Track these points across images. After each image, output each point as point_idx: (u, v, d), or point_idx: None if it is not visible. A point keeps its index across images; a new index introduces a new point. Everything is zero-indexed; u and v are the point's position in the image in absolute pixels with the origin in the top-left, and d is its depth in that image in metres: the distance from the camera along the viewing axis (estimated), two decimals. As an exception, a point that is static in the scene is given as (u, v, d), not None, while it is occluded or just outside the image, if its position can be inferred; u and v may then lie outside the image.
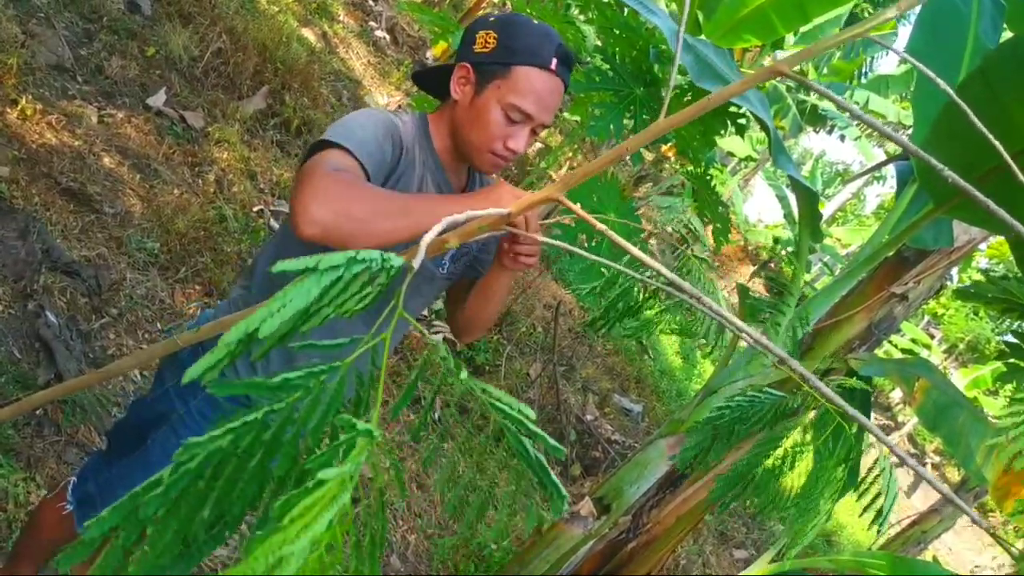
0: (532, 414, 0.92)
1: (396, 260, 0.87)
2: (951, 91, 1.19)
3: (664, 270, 1.33)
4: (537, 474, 0.86)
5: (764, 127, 2.71)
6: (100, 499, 1.87)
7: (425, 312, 4.89)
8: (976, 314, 12.53)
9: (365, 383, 0.84)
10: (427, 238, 1.06)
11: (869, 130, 10.31)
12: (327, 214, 1.31)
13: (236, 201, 4.38)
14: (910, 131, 3.29)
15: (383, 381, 0.75)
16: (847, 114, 8.51)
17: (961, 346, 12.83)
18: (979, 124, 1.11)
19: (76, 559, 0.70)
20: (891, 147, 12.23)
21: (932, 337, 14.17)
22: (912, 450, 12.31)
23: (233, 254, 3.93)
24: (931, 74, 1.14)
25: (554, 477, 0.84)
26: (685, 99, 3.53)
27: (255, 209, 4.48)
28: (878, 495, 2.28)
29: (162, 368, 1.85)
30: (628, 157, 11.26)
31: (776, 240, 11.17)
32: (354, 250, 0.85)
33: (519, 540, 4.00)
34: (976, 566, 11.00)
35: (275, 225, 4.51)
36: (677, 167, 10.94)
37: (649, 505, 3.46)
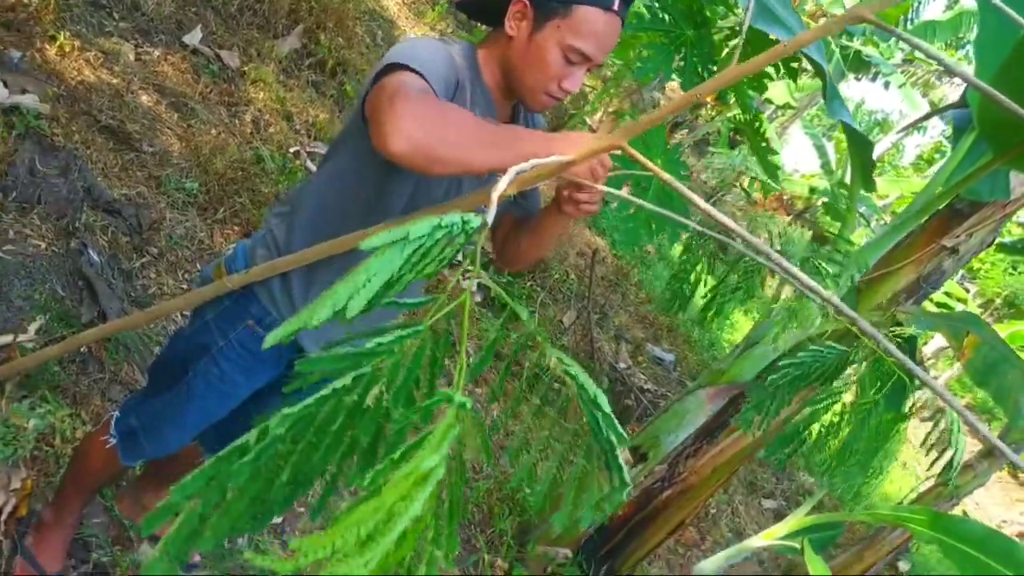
0: (605, 401, 0.89)
1: (475, 220, 0.84)
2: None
3: (732, 224, 1.28)
4: (606, 454, 0.83)
5: (820, 72, 2.63)
6: (142, 432, 1.88)
7: (460, 257, 4.87)
8: (1015, 269, 12.31)
9: (440, 340, 0.81)
10: (501, 185, 1.02)
11: (915, 78, 10.04)
12: (421, 133, 1.27)
13: (272, 142, 4.35)
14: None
15: (464, 344, 0.72)
16: (898, 62, 8.28)
17: (998, 301, 12.63)
18: None
19: (158, 524, 0.69)
20: (935, 96, 11.92)
21: (967, 291, 13.95)
22: (940, 405, 12.19)
23: (270, 195, 3.92)
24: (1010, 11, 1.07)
25: (621, 461, 0.81)
26: (732, 43, 3.42)
27: (291, 150, 4.44)
28: (946, 448, 2.24)
29: (201, 303, 1.84)
30: (663, 101, 11.03)
31: (812, 190, 10.97)
32: (439, 217, 0.81)
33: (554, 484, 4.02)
34: (1003, 521, 10.98)
35: (311, 167, 4.48)
36: (714, 114, 10.75)
37: (686, 454, 3.46)
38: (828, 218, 11.39)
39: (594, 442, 0.83)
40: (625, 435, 0.83)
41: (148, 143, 3.61)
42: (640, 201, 1.35)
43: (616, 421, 0.80)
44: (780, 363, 2.01)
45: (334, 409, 0.72)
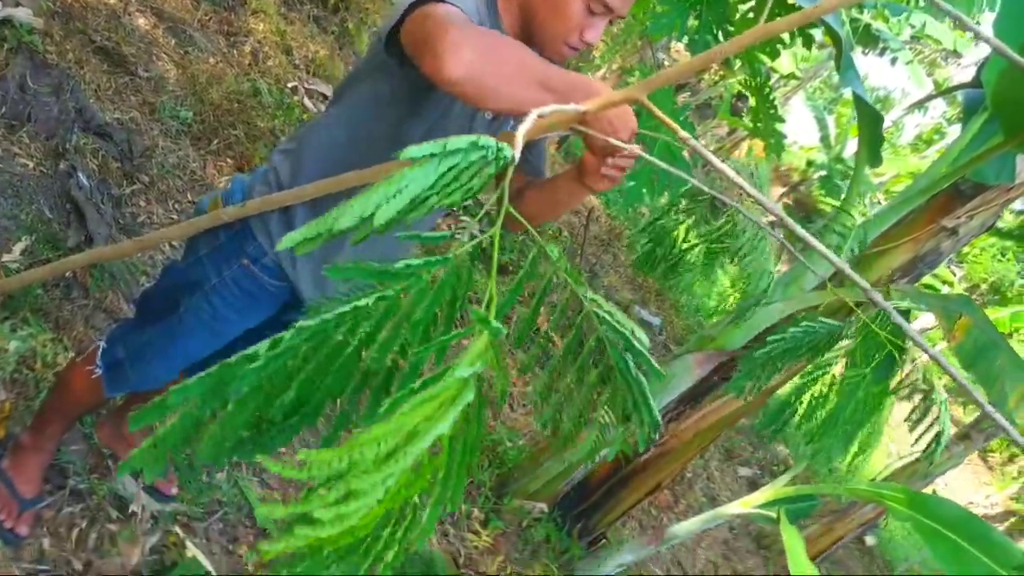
0: (645, 338, 0.86)
1: (507, 150, 0.80)
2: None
3: (745, 184, 1.24)
4: (634, 394, 0.81)
5: (836, 41, 2.57)
6: (129, 364, 1.84)
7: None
8: (1003, 255, 12.36)
9: (463, 278, 0.78)
10: (525, 125, 0.98)
11: (921, 55, 9.94)
12: (480, 62, 1.22)
13: (271, 75, 4.25)
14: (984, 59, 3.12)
15: (495, 276, 0.69)
16: (898, 32, 8.17)
17: (984, 287, 12.70)
18: None
19: (149, 420, 0.66)
20: (940, 76, 11.84)
21: (955, 275, 14.02)
22: (923, 386, 12.32)
23: (266, 130, 3.84)
24: None
25: (651, 400, 0.79)
26: (746, 5, 3.35)
27: (289, 85, 4.35)
28: (931, 425, 2.25)
29: (196, 236, 1.79)
30: (666, 63, 10.91)
31: (810, 163, 10.94)
32: (477, 137, 0.77)
33: (534, 440, 4.03)
34: (970, 503, 11.18)
35: (309, 104, 4.40)
36: (716, 78, 10.63)
37: (668, 418, 3.46)
38: (823, 192, 11.35)
39: (622, 380, 0.81)
40: (661, 371, 0.81)
41: (143, 67, 3.52)
42: (652, 158, 1.31)
43: (652, 359, 0.78)
44: (770, 337, 2.00)
45: (351, 330, 0.68)
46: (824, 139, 10.96)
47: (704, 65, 1.45)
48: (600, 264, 6.45)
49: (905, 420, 2.30)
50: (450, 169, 0.75)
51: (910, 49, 9.49)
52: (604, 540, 3.78)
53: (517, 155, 0.79)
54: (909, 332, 1.20)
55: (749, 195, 1.21)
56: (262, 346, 0.66)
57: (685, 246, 3.87)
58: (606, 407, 0.92)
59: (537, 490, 3.54)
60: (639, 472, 3.57)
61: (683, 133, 1.25)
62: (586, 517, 3.67)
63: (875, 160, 2.84)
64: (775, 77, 12.94)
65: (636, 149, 1.49)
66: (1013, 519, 10.56)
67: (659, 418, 0.86)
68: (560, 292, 1.08)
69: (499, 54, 1.27)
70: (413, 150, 0.68)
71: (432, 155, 0.71)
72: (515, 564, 3.41)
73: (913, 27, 8.49)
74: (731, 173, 1.22)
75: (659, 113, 1.29)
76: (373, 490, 0.54)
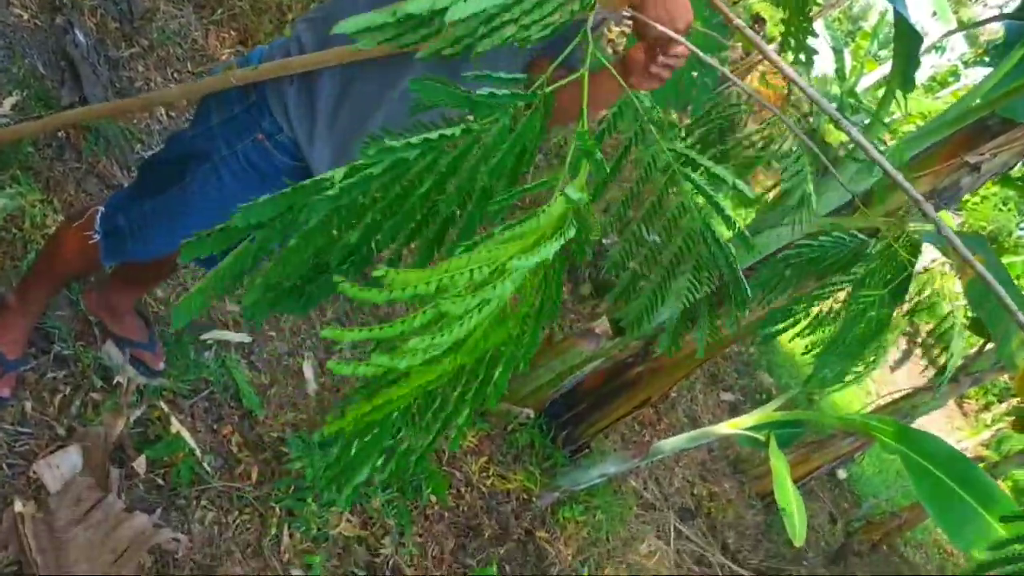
0: (748, 189, 0.78)
1: None
2: None
3: (788, 69, 1.15)
4: (723, 267, 0.74)
5: (885, -49, 2.43)
6: (130, 234, 1.77)
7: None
8: (1004, 205, 12.27)
9: (536, 127, 0.69)
10: None
11: (951, -9, 9.64)
12: None
13: (281, -52, 4.05)
14: None
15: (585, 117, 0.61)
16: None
17: (983, 235, 12.66)
18: None
19: (210, 248, 0.59)
20: (964, 16, 11.52)
21: (954, 221, 13.95)
22: (908, 329, 12.41)
23: (273, 3, 3.67)
24: None
25: (740, 274, 0.72)
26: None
27: (300, -40, 4.15)
28: (944, 348, 2.21)
29: (207, 104, 1.69)
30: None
31: (823, 94, 10.72)
32: None
33: (526, 347, 4.00)
34: (941, 445, 11.36)
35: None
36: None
37: (664, 335, 3.41)
38: (831, 125, 11.13)
39: (707, 251, 0.74)
40: (753, 243, 0.74)
41: (148, -76, 3.33)
42: (702, 54, 1.20)
43: (744, 230, 0.70)
44: (800, 241, 1.93)
45: (429, 165, 0.60)
46: (839, 71, 10.70)
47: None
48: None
49: (920, 345, 2.26)
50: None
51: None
52: (588, 450, 3.80)
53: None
54: (937, 220, 1.14)
55: (784, 72, 1.13)
56: (337, 173, 0.58)
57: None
58: (691, 280, 0.84)
59: (525, 395, 3.53)
60: (629, 386, 3.56)
61: (739, 22, 1.16)
62: (572, 426, 3.67)
63: (908, 84, 2.73)
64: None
65: (688, 45, 1.38)
66: (982, 464, 10.77)
67: (749, 294, 0.79)
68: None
69: None
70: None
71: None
72: (498, 466, 3.41)
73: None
74: (775, 57, 1.13)
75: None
76: (466, 318, 0.47)
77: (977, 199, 13.79)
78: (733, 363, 6.65)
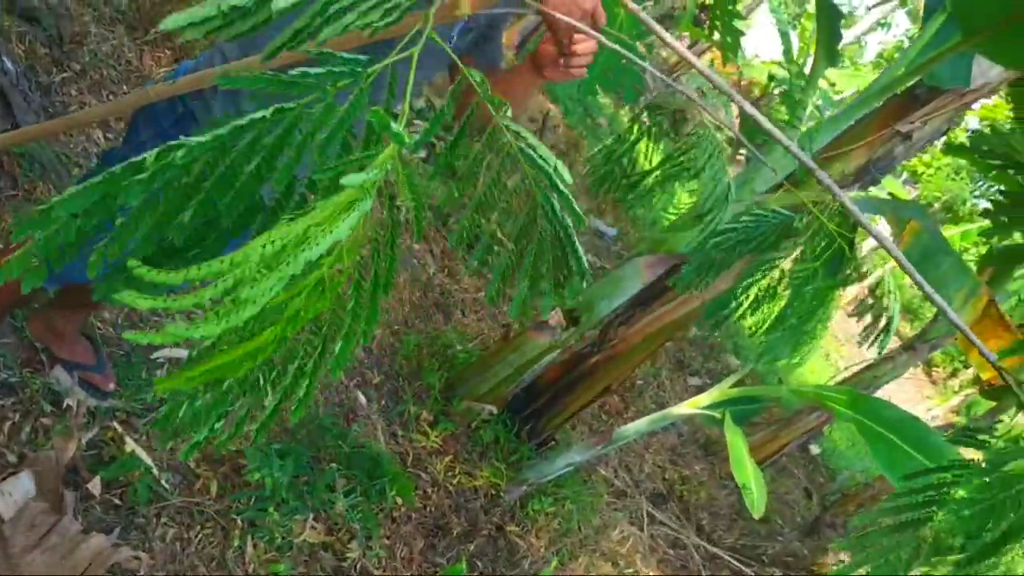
0: (567, 174, 0.81)
1: None
2: None
3: (690, 56, 1.18)
4: (561, 238, 0.76)
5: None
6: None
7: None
8: (956, 174, 12.49)
9: (386, 103, 0.72)
10: None
11: (887, -32, 9.81)
12: None
13: (213, -36, 4.05)
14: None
15: (408, 99, 0.63)
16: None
17: (937, 205, 12.87)
18: None
19: (32, 229, 0.60)
20: (904, -9, 11.68)
21: (909, 194, 14.17)
22: (870, 301, 12.58)
23: (208, 21, 3.66)
24: None
25: (579, 246, 0.74)
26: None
27: (233, -24, 4.15)
28: (879, 316, 2.25)
29: (136, 120, 1.70)
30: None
31: (771, 77, 10.83)
32: None
33: (484, 344, 4.02)
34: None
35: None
36: (681, -12, 10.39)
37: (618, 321, 3.46)
38: (784, 108, 11.26)
39: (548, 225, 0.76)
40: (583, 215, 0.76)
41: (73, -51, 3.32)
42: (608, 42, 1.23)
43: (574, 202, 0.73)
44: (722, 226, 1.97)
45: (249, 146, 0.62)
46: (787, 53, 10.82)
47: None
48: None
49: (851, 314, 2.31)
50: None
51: (876, -39, 9.37)
52: (554, 442, 3.82)
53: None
54: (858, 218, 1.17)
55: (697, 68, 1.16)
56: (149, 156, 0.60)
57: (647, 167, 3.80)
58: (533, 256, 0.87)
59: (486, 392, 3.55)
60: (588, 375, 3.59)
61: (633, 6, 1.19)
62: (535, 419, 3.69)
63: (833, 58, 2.79)
64: (740, -11, 12.71)
65: (594, 34, 1.41)
66: (952, 431, 10.95)
67: (586, 266, 0.82)
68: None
69: None
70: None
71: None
72: (464, 464, 3.43)
73: (880, -62, 8.35)
74: (681, 48, 1.17)
75: (604, -20, 1.23)
76: (261, 296, 0.49)
77: (932, 170, 14.03)
78: (699, 347, 6.72)
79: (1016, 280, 4.71)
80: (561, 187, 0.75)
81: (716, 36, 2.97)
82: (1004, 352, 2.64)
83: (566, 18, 1.29)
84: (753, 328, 2.40)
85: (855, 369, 6.03)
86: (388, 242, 0.66)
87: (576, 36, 1.42)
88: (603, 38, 1.24)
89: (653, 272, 3.24)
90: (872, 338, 2.32)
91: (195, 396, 0.51)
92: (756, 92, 11.67)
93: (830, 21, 2.68)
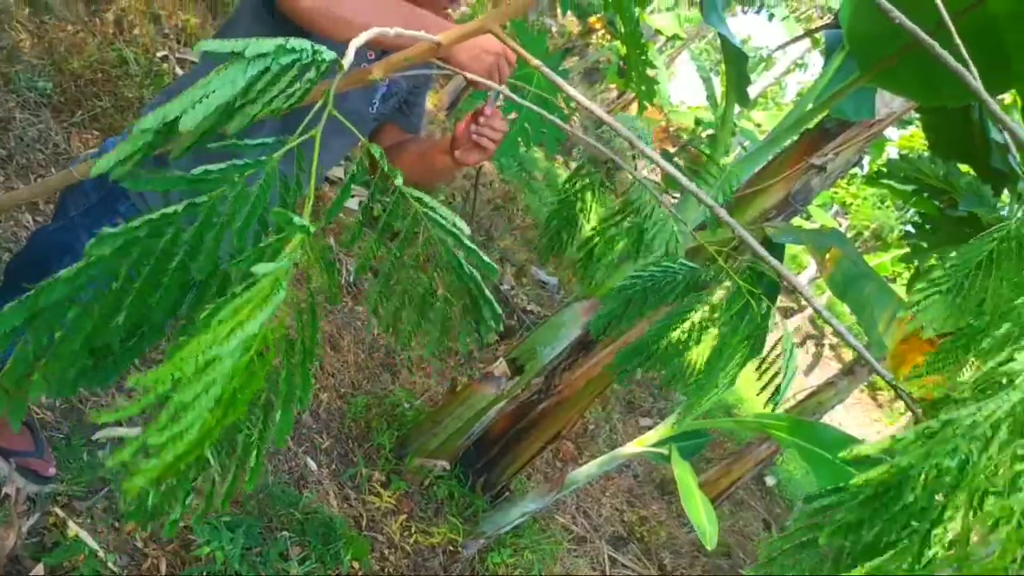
0: (466, 228, 0.86)
1: (328, 54, 0.79)
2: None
3: (604, 115, 1.25)
4: (471, 289, 0.81)
5: (698, -19, 2.62)
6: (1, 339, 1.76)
7: (342, 173, 4.75)
8: (882, 203, 12.93)
9: (291, 187, 0.76)
10: (356, 41, 0.96)
11: (796, 10, 10.27)
12: None
13: (138, 44, 4.08)
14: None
15: (313, 184, 0.68)
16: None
17: (866, 233, 13.28)
18: None
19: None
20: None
21: (840, 225, 14.61)
22: (812, 331, 12.86)
23: (135, 99, 3.69)
24: None
25: (488, 292, 0.79)
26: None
27: (159, 55, 4.19)
28: (777, 373, 2.32)
29: (64, 198, 1.72)
30: (554, 28, 10.82)
31: (698, 122, 11.17)
32: (286, 39, 0.76)
33: (432, 400, 4.03)
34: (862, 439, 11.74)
35: (181, 73, 4.24)
36: (604, 42, 10.71)
37: (562, 367, 3.51)
38: (712, 150, 11.59)
39: (457, 280, 0.81)
40: (494, 265, 0.81)
41: (-6, 37, 3.33)
42: (522, 101, 1.30)
43: (480, 253, 0.78)
44: (629, 274, 2.03)
45: (171, 241, 0.66)
46: (710, 98, 11.19)
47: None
48: (495, 227, 6.46)
49: (756, 369, 2.37)
50: (262, 73, 0.73)
51: (786, 6, 9.80)
52: (508, 493, 3.83)
53: (347, 62, 0.78)
54: (770, 260, 1.24)
55: (610, 126, 1.23)
56: (78, 265, 0.64)
57: (590, 232, 3.83)
58: (444, 304, 0.92)
59: (437, 448, 3.55)
60: (537, 423, 3.62)
61: (535, 61, 1.26)
62: (488, 471, 3.70)
63: (743, 100, 2.92)
64: (661, 40, 13.14)
65: (502, 125, 1.48)
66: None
67: (499, 309, 0.87)
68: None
69: None
70: (207, 44, 0.66)
71: (234, 52, 0.69)
72: (419, 522, 3.42)
73: (787, -17, 8.75)
74: (586, 101, 1.24)
75: (515, 45, 1.29)
76: (199, 400, 0.53)
77: (859, 201, 14.49)
78: (647, 388, 6.79)
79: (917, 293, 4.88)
80: (466, 242, 0.81)
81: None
82: (925, 368, 2.75)
83: (461, 72, 1.36)
84: (665, 381, 2.44)
85: (799, 397, 6.15)
86: (311, 313, 0.70)
87: (486, 114, 1.50)
88: (516, 98, 1.31)
89: (591, 316, 3.30)
90: (768, 398, 2.37)
91: (158, 483, 0.54)
92: (684, 137, 11.99)
93: (737, 65, 2.81)
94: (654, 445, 3.21)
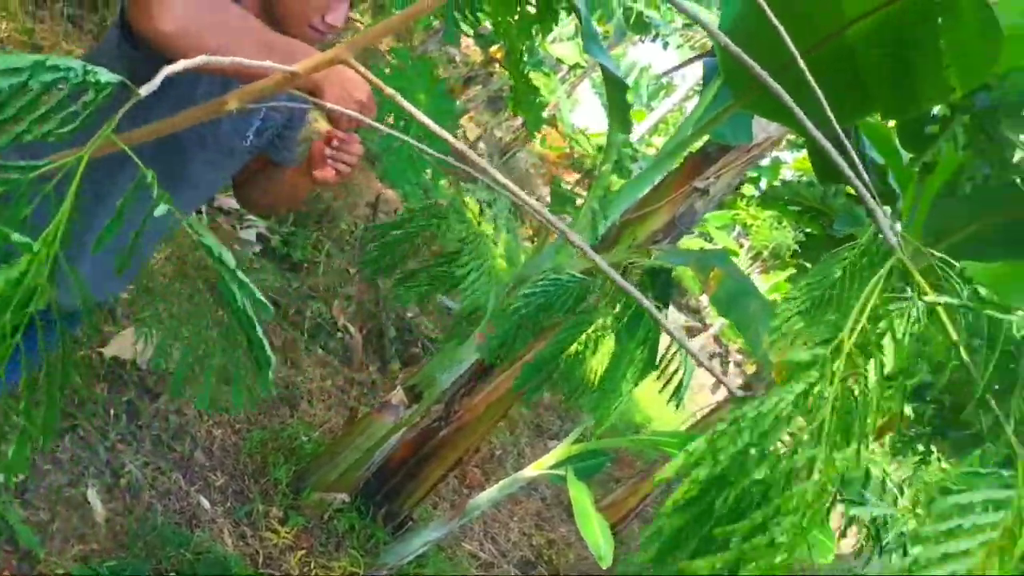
0: (232, 259, 0.84)
1: (105, 75, 0.77)
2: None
3: (472, 153, 1.28)
4: (243, 327, 0.78)
5: (576, 13, 2.70)
6: None
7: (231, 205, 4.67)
8: (780, 223, 13.38)
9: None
10: (170, 69, 0.95)
11: (690, 39, 10.60)
12: (193, 13, 1.19)
13: (16, 75, 3.95)
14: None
15: (67, 208, 0.66)
16: (669, 19, 8.65)
17: (765, 253, 13.73)
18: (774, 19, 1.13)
19: None
20: (711, 60, 12.63)
21: (741, 246, 15.07)
22: (718, 349, 13.19)
23: (12, 132, 3.57)
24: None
25: (260, 334, 0.77)
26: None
27: (40, 86, 4.06)
28: (676, 371, 2.37)
29: None
30: (457, 57, 10.91)
31: (600, 148, 11.41)
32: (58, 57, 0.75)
33: (331, 432, 3.98)
34: (768, 453, 12.03)
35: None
36: (507, 70, 10.86)
37: (461, 393, 3.52)
38: (614, 176, 11.83)
39: (234, 318, 0.80)
40: (267, 303, 0.81)
41: None
42: (400, 134, 1.31)
43: (255, 291, 0.77)
44: (522, 291, 2.06)
45: None
46: (623, 125, 11.44)
47: (400, 24, 1.48)
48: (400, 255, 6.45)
49: (657, 378, 2.43)
50: (17, 89, 0.70)
51: (681, 35, 10.11)
52: (411, 522, 3.80)
53: (145, 90, 0.77)
54: (627, 288, 1.28)
55: (478, 167, 1.25)
56: None
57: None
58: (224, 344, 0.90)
59: (337, 480, 3.50)
60: (438, 450, 3.61)
61: (407, 104, 1.27)
62: (389, 501, 3.67)
63: (625, 126, 3.00)
64: (564, 68, 13.39)
65: (356, 146, 1.49)
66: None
67: (270, 354, 0.85)
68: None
69: (218, 12, 1.25)
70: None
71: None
72: (319, 557, 3.36)
73: (681, 15, 9.04)
74: (450, 138, 1.26)
75: (366, 72, 1.31)
76: None
77: (759, 222, 14.97)
78: (555, 411, 6.84)
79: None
80: (239, 276, 0.79)
81: (546, 112, 3.14)
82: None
83: (342, 108, 1.37)
84: (567, 394, 2.48)
85: (701, 415, 6.29)
86: (64, 356, 0.69)
87: (339, 138, 1.51)
88: (386, 128, 1.33)
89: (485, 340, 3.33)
90: (671, 395, 2.45)
91: None
92: (587, 164, 12.22)
93: (618, 93, 2.89)
94: (553, 467, 3.24)
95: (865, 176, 1.10)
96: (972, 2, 1.77)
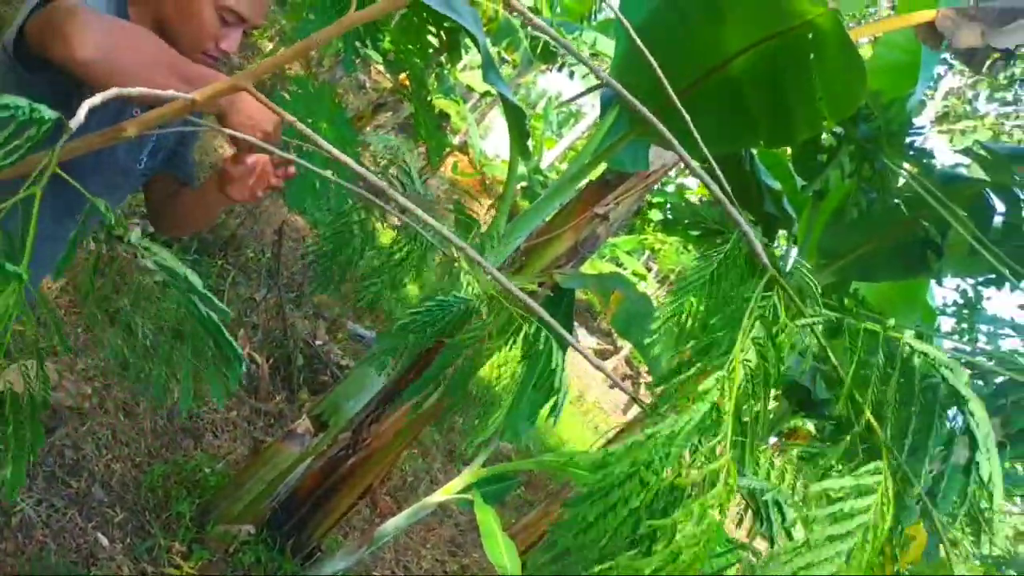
0: (197, 279, 0.88)
1: (48, 113, 0.80)
2: (627, 23, 1.27)
3: (375, 179, 1.31)
4: (210, 332, 0.82)
5: (475, 41, 2.76)
6: None
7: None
8: (686, 247, 13.76)
9: (15, 240, 0.76)
10: (90, 102, 0.96)
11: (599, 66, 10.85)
12: (110, 42, 1.22)
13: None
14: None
15: (32, 238, 0.68)
16: (586, 56, 8.85)
17: (672, 276, 14.06)
18: (650, 57, 1.20)
19: None
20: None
21: (649, 270, 15.40)
22: (629, 371, 13.41)
23: None
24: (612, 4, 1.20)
25: (228, 336, 0.81)
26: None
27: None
28: (556, 390, 2.41)
29: None
30: (367, 83, 10.91)
31: (511, 174, 11.56)
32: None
33: (236, 463, 3.91)
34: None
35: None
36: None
37: (368, 420, 3.51)
38: (527, 202, 12.01)
39: (199, 326, 0.83)
40: (227, 310, 0.84)
41: None
42: (303, 162, 1.33)
43: (214, 299, 0.81)
44: (409, 311, 2.09)
45: None
46: (523, 152, 11.57)
47: (298, 54, 1.50)
48: (307, 282, 6.38)
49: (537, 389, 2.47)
50: None
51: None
52: (320, 553, 3.75)
53: (75, 123, 0.79)
54: (530, 304, 1.33)
55: (388, 194, 1.28)
56: None
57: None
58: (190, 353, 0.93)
59: (242, 512, 3.44)
60: (346, 478, 3.58)
61: (307, 130, 1.30)
62: (298, 532, 3.62)
63: (525, 154, 3.07)
64: (475, 96, 13.52)
65: (274, 150, 1.51)
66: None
67: (241, 351, 0.89)
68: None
69: (132, 39, 1.29)
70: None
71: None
72: (224, 592, 3.29)
73: (586, 43, 9.24)
74: (353, 163, 1.29)
75: (262, 98, 1.33)
76: None
77: (666, 246, 15.34)
78: (467, 437, 6.85)
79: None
80: (199, 287, 0.83)
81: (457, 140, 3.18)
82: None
83: (246, 135, 1.39)
84: (453, 407, 2.50)
85: (611, 435, 6.38)
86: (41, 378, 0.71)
87: (246, 163, 1.53)
88: (294, 157, 1.35)
89: (395, 368, 3.33)
90: (548, 413, 2.49)
91: None
92: (500, 189, 12.34)
93: (517, 121, 2.96)
94: (462, 491, 3.25)
95: (731, 197, 1.17)
96: (837, 41, 1.90)
